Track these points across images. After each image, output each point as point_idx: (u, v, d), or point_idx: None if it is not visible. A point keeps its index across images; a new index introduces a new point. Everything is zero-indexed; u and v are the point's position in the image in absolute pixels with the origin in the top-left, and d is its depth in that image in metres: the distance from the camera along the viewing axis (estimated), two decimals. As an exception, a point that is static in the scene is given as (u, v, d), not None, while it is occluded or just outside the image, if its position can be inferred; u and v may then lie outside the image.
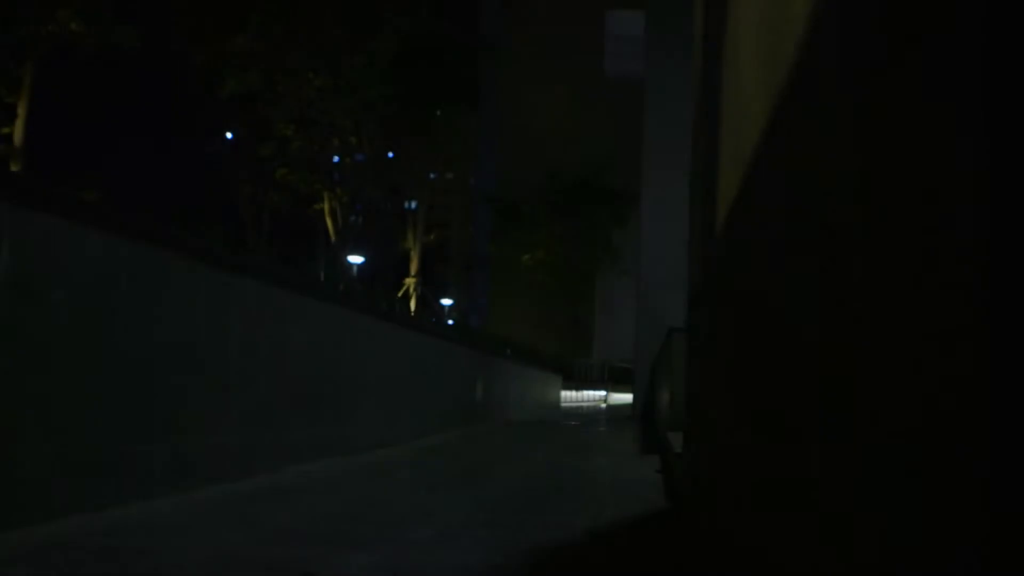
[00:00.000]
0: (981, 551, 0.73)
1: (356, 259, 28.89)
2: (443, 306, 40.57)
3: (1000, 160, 0.73)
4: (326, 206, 24.75)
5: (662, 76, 10.64)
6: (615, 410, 20.54)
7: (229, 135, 27.07)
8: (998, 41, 0.74)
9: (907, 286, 0.95)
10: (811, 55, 1.48)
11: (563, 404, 24.27)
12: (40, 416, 2.82)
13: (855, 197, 1.19)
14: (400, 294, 25.29)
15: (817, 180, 1.43)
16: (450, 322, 11.45)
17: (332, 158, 24.41)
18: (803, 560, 1.43)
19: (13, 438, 2.70)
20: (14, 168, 15.20)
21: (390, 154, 26.25)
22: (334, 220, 24.71)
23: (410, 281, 33.82)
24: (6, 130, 16.33)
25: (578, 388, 29.58)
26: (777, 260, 1.77)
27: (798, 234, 1.57)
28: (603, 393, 31.01)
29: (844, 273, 1.24)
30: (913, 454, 0.92)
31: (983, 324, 0.74)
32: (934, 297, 0.87)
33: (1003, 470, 0.70)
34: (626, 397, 23.63)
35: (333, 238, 24.80)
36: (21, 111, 16.37)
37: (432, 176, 38.27)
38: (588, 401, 29.27)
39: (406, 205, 37.44)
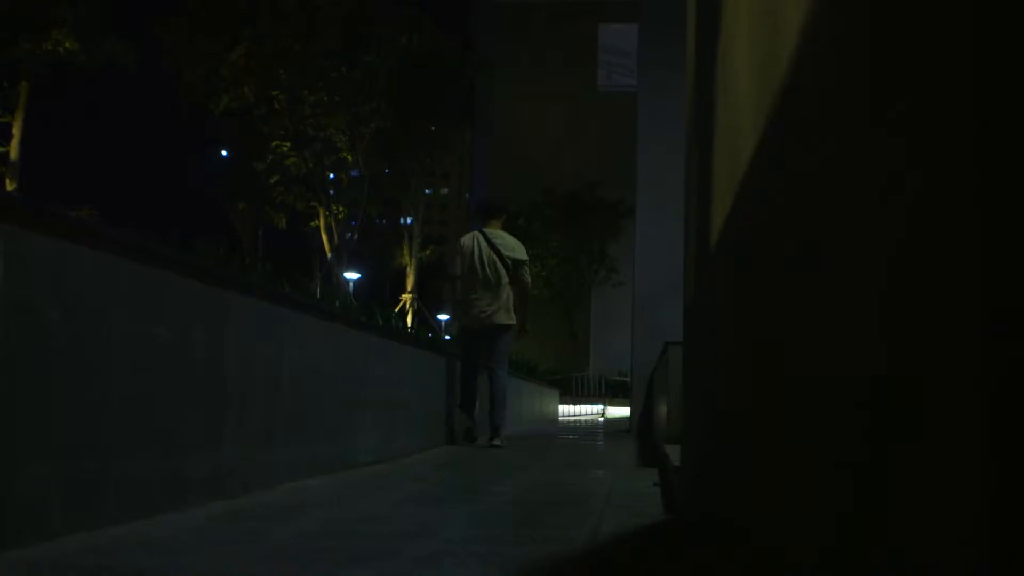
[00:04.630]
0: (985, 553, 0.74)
1: (352, 275, 28.89)
2: (440, 321, 40.53)
3: (998, 166, 0.74)
4: (321, 222, 24.77)
5: (655, 89, 10.66)
6: (612, 424, 20.51)
7: (224, 152, 27.13)
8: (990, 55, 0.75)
9: (908, 297, 0.96)
10: (803, 69, 1.49)
11: (561, 418, 24.23)
12: (36, 435, 2.82)
13: (849, 210, 1.20)
14: (396, 310, 25.32)
15: (810, 193, 1.44)
16: (447, 337, 11.55)
17: (327, 175, 24.45)
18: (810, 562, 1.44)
19: (8, 457, 2.69)
20: (10, 187, 15.21)
21: (385, 170, 26.28)
22: (330, 236, 24.73)
23: (406, 297, 33.81)
24: (1, 149, 16.37)
25: (575, 402, 29.56)
26: (771, 271, 1.78)
27: (792, 247, 1.58)
28: (600, 407, 30.99)
29: (837, 281, 1.25)
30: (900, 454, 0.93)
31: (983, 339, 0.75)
32: (940, 308, 0.87)
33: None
34: (623, 411, 23.60)
35: (329, 254, 24.82)
36: (16, 131, 16.40)
37: (427, 192, 38.30)
38: (586, 415, 29.23)
39: (402, 220, 37.42)
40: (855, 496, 1.14)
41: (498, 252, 7.88)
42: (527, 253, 8.30)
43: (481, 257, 7.85)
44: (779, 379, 1.69)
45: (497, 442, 8.06)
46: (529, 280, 8.12)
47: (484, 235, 7.96)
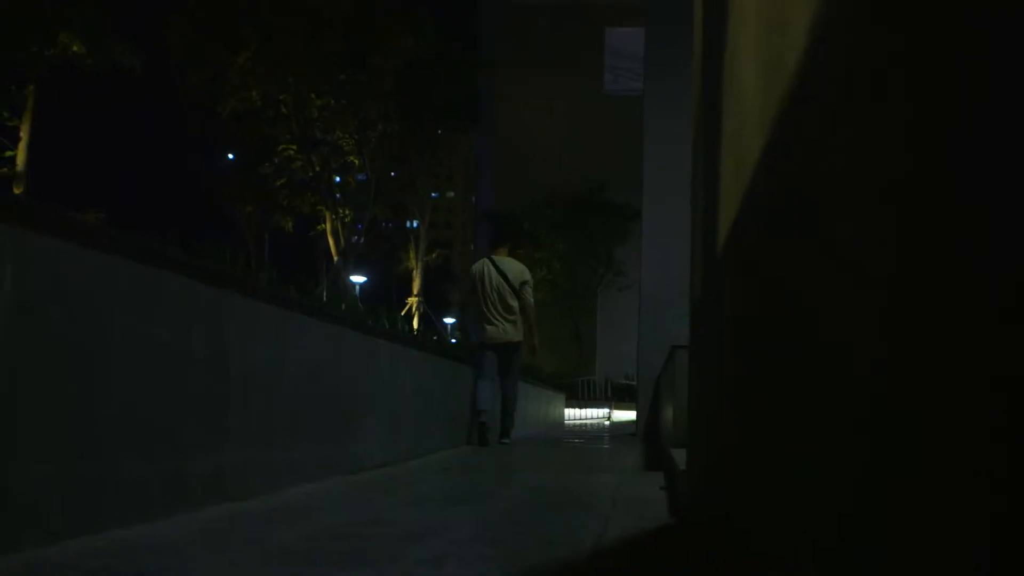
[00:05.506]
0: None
1: (358, 278, 28.90)
2: (446, 325, 40.53)
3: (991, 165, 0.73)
4: (328, 226, 24.78)
5: (661, 92, 10.65)
6: (618, 427, 20.49)
7: (231, 155, 27.15)
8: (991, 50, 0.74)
9: (913, 299, 0.95)
10: (812, 69, 1.48)
11: (567, 422, 24.21)
12: (37, 436, 2.81)
13: (856, 212, 1.19)
14: (403, 313, 25.30)
15: (817, 196, 1.43)
16: (453, 341, 11.65)
17: (334, 178, 24.46)
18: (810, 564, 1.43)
19: (9, 458, 2.69)
20: (17, 191, 15.25)
21: (391, 173, 26.27)
22: (336, 240, 24.74)
23: (412, 300, 33.81)
24: (9, 153, 16.39)
25: (581, 406, 29.53)
26: (776, 274, 1.77)
27: (797, 251, 1.57)
28: (606, 411, 30.95)
29: (842, 284, 1.24)
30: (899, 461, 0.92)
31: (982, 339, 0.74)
32: (941, 307, 0.87)
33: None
34: (629, 415, 23.57)
35: (335, 257, 24.83)
36: (24, 134, 16.43)
37: (434, 195, 38.34)
38: (592, 419, 29.20)
39: (408, 223, 37.45)
40: (855, 498, 1.13)
41: (505, 277, 9.07)
42: (530, 273, 9.48)
43: (491, 282, 9.04)
44: (784, 383, 1.68)
45: (506, 440, 9.14)
46: (532, 300, 9.21)
47: (492, 262, 9.18)
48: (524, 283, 9.15)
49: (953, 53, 0.82)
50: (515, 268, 9.21)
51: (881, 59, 1.08)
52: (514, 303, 9.10)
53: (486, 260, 9.27)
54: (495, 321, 9.02)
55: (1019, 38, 0.69)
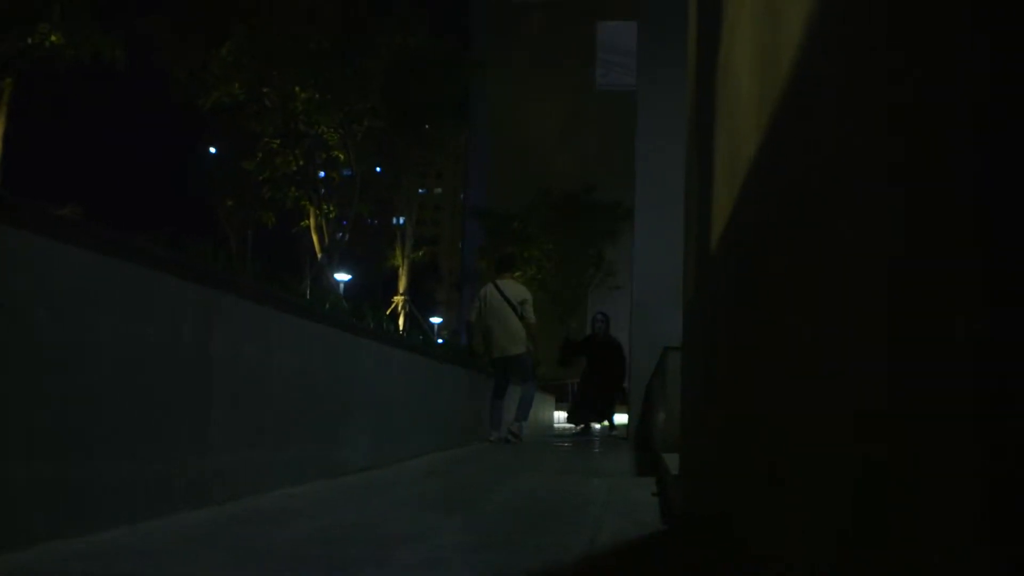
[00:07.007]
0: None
1: (343, 276, 28.81)
2: (432, 324, 40.50)
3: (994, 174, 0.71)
4: (311, 222, 24.65)
5: (654, 88, 10.59)
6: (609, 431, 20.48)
7: (212, 149, 27.01)
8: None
9: (911, 300, 0.93)
10: (807, 69, 1.46)
11: (556, 425, 24.17)
12: (19, 439, 2.75)
13: (850, 210, 1.17)
14: (388, 312, 25.22)
15: (812, 195, 1.41)
16: (440, 341, 11.60)
17: (318, 173, 24.33)
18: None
19: (-9, 461, 2.63)
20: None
21: (377, 169, 26.17)
22: (320, 236, 24.63)
23: (398, 299, 33.74)
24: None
25: (572, 409, 29.42)
26: (773, 273, 1.74)
27: (793, 248, 1.55)
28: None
29: (839, 284, 1.21)
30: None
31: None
32: (935, 308, 0.85)
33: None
34: (621, 418, 23.51)
35: (319, 255, 24.72)
36: (0, 127, 16.28)
37: (421, 192, 38.32)
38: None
39: (394, 220, 37.39)
40: (852, 505, 1.12)
41: (507, 299, 10.26)
42: (529, 292, 10.71)
43: (493, 304, 10.24)
44: (780, 384, 1.65)
45: (515, 429, 10.26)
46: (532, 318, 10.38)
47: (496, 286, 10.39)
48: (523, 301, 10.33)
49: (950, 52, 0.81)
50: (516, 290, 10.48)
51: (877, 55, 1.08)
52: (515, 321, 10.31)
53: (490, 284, 10.52)
54: (497, 337, 10.21)
55: (1017, 35, 0.67)
